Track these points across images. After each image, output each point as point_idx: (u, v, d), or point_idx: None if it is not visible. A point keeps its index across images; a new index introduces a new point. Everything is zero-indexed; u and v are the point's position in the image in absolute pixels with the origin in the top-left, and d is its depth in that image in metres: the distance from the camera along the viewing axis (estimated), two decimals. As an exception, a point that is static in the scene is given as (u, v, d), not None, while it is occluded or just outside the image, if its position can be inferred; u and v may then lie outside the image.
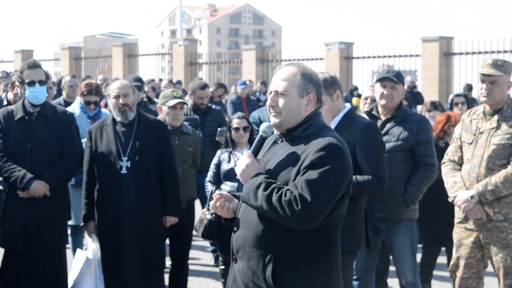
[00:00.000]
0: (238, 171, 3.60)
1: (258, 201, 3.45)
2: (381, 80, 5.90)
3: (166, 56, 26.97)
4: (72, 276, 6.18)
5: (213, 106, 9.15)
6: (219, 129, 8.19)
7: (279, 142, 3.65)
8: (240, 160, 3.60)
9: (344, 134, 4.90)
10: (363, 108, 7.10)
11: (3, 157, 6.03)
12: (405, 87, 8.40)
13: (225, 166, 6.65)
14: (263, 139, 3.66)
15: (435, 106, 8.43)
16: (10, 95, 7.15)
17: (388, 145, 5.84)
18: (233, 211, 3.71)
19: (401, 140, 5.84)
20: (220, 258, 6.89)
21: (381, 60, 21.88)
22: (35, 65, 6.23)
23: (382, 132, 5.89)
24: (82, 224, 6.32)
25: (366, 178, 5.03)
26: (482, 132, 5.50)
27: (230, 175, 6.58)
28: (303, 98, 3.59)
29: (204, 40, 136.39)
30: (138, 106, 6.95)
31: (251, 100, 15.80)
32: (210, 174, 6.76)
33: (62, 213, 6.31)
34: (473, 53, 19.95)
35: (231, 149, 6.71)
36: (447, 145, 7.15)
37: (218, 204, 3.71)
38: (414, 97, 17.35)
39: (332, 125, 5.07)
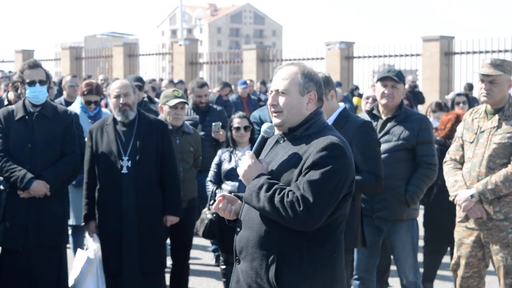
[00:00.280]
0: (240, 172, 3.60)
1: (260, 202, 3.45)
2: (382, 79, 5.90)
3: (166, 56, 26.99)
4: (73, 276, 6.18)
5: (215, 106, 9.14)
6: (213, 124, 8.18)
7: (281, 142, 3.65)
8: (242, 161, 3.60)
9: (339, 133, 4.90)
10: (364, 107, 7.10)
11: (4, 157, 6.03)
12: (406, 86, 8.40)
13: (226, 166, 6.65)
14: (264, 140, 3.66)
15: (440, 107, 8.42)
16: (11, 95, 7.15)
17: (389, 145, 5.84)
18: (235, 213, 3.71)
19: (402, 139, 5.83)
20: (221, 258, 6.88)
21: (382, 59, 21.88)
22: (35, 65, 6.23)
23: (383, 131, 5.89)
24: (83, 224, 6.32)
25: (363, 176, 5.04)
26: (483, 131, 5.50)
27: (231, 174, 6.58)
28: (304, 97, 3.59)
29: (204, 40, 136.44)
30: (139, 105, 6.95)
31: (252, 100, 15.79)
32: (211, 173, 6.76)
33: (62, 213, 6.30)
34: (474, 52, 19.95)
35: (232, 149, 6.71)
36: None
37: (220, 206, 3.70)
38: (415, 96, 17.37)
39: (327, 124, 5.08)
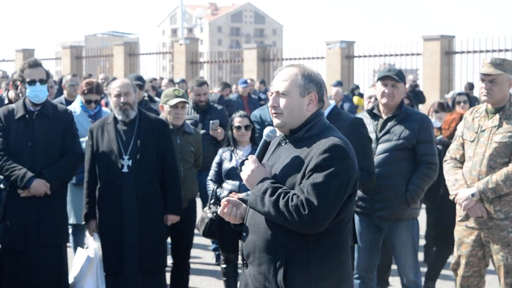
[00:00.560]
0: (244, 177, 3.59)
1: (265, 207, 3.45)
2: (382, 78, 5.89)
3: (167, 55, 27.01)
4: (73, 274, 6.18)
5: (215, 105, 9.13)
6: (211, 122, 8.18)
7: (283, 144, 3.64)
8: (245, 166, 3.60)
9: None
10: (367, 107, 7.10)
11: (4, 155, 6.03)
12: (407, 86, 8.40)
13: (226, 165, 6.65)
14: (267, 144, 3.65)
15: (442, 107, 8.42)
16: (12, 94, 7.15)
17: (389, 144, 5.84)
18: (241, 217, 3.71)
19: (402, 138, 5.83)
20: (222, 257, 6.88)
21: (383, 59, 21.89)
22: (35, 64, 6.23)
23: (383, 131, 5.89)
24: (83, 222, 6.32)
25: None
26: (484, 130, 5.50)
27: (232, 173, 6.58)
28: (304, 98, 3.58)
29: (205, 39, 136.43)
30: (139, 104, 6.95)
31: (252, 99, 15.79)
32: (211, 172, 6.75)
33: (63, 212, 6.31)
34: (474, 51, 19.96)
35: (232, 148, 6.71)
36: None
37: (225, 211, 3.70)
38: (416, 96, 17.37)
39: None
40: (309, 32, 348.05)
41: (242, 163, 6.45)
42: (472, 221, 5.53)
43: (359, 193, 5.71)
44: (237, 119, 6.70)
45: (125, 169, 6.02)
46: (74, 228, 7.43)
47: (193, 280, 7.57)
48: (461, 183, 5.54)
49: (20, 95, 6.67)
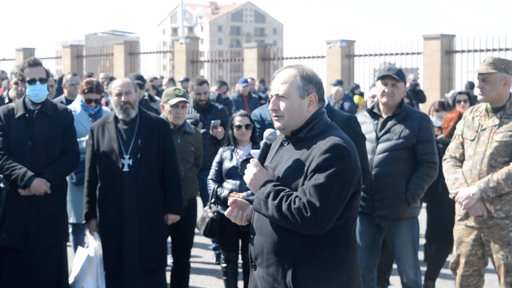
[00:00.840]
0: (247, 180, 3.59)
1: (269, 211, 3.45)
2: (382, 78, 5.89)
3: (167, 54, 27.00)
4: (73, 274, 6.18)
5: (216, 104, 9.13)
6: (212, 121, 8.19)
7: (285, 144, 3.64)
8: (248, 170, 3.60)
9: None
10: (370, 106, 7.11)
11: (4, 155, 6.03)
12: (408, 85, 8.39)
13: (227, 164, 6.64)
14: (268, 146, 3.64)
15: (443, 106, 8.42)
16: (12, 93, 7.15)
17: (389, 143, 5.84)
18: (247, 219, 3.71)
19: (403, 138, 5.83)
20: (222, 256, 6.88)
21: (383, 58, 21.86)
22: (35, 63, 6.22)
23: (383, 130, 5.89)
24: (83, 222, 6.32)
25: None
26: (484, 129, 5.50)
27: (232, 173, 6.57)
28: (304, 99, 3.57)
29: (205, 38, 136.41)
30: (140, 104, 6.94)
31: (253, 98, 15.79)
32: (212, 172, 6.75)
33: (63, 211, 6.31)
34: (475, 51, 19.94)
35: (233, 147, 6.70)
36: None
37: (232, 214, 3.69)
38: (416, 95, 17.34)
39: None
40: (309, 31, 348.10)
41: (243, 162, 6.50)
42: (472, 220, 5.52)
43: (359, 192, 5.71)
44: (237, 118, 6.70)
45: (125, 169, 6.01)
46: (74, 227, 7.42)
47: (193, 279, 7.57)
48: (461, 181, 5.53)
49: (15, 93, 6.68)
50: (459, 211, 5.63)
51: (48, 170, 6.04)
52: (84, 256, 6.14)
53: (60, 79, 12.95)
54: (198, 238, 8.95)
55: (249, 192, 6.37)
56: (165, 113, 6.81)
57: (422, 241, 8.21)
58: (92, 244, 6.16)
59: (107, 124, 6.14)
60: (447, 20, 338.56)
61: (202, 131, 7.89)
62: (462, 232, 5.60)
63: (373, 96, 7.23)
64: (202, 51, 26.79)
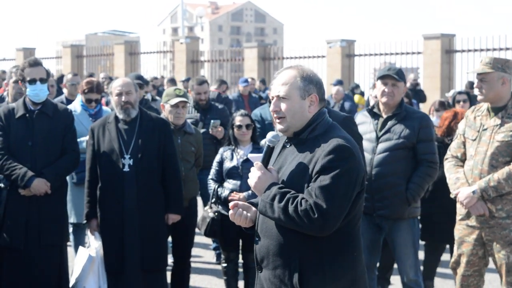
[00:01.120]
0: (251, 184, 3.59)
1: (275, 213, 3.45)
2: (382, 77, 5.89)
3: (167, 54, 27.00)
4: (75, 274, 6.18)
5: (217, 104, 9.12)
6: (212, 121, 8.20)
7: (288, 146, 3.64)
8: (252, 173, 3.59)
9: None
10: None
11: (4, 155, 6.03)
12: (408, 84, 8.40)
13: (227, 164, 6.64)
14: (271, 149, 3.63)
15: (444, 106, 8.42)
16: (11, 91, 7.15)
17: (389, 143, 5.84)
18: (251, 220, 3.71)
19: (403, 137, 5.83)
20: (222, 256, 6.88)
21: (383, 57, 21.86)
22: (36, 63, 6.23)
23: (384, 130, 5.90)
24: (84, 222, 6.32)
25: None
26: (486, 129, 5.50)
27: (233, 173, 6.57)
28: (305, 100, 3.57)
29: (205, 38, 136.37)
30: (140, 103, 6.95)
31: (253, 98, 15.79)
32: (212, 172, 6.75)
33: (63, 211, 6.32)
34: (475, 50, 19.94)
35: (233, 147, 6.70)
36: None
37: (236, 216, 3.69)
38: (417, 95, 17.33)
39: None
40: (309, 30, 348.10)
41: (244, 162, 6.50)
42: (473, 220, 5.52)
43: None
44: (238, 118, 6.69)
45: (126, 168, 6.02)
46: (75, 227, 7.43)
47: (193, 279, 7.58)
48: (462, 181, 5.54)
49: (7, 93, 6.68)
50: (460, 210, 5.63)
51: (48, 170, 6.05)
52: (85, 256, 6.14)
53: (59, 79, 12.94)
54: (199, 238, 8.96)
55: (249, 192, 6.38)
56: (166, 113, 6.81)
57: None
58: (93, 244, 6.16)
59: (107, 124, 6.14)
60: (447, 20, 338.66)
61: (202, 131, 7.89)
62: (464, 232, 5.60)
63: (376, 96, 7.22)
64: (202, 51, 26.79)
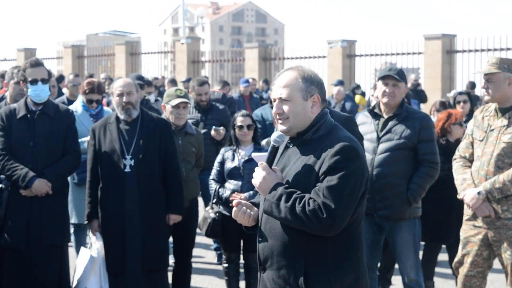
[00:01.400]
0: (256, 184, 3.59)
1: (282, 213, 3.46)
2: (383, 78, 5.90)
3: (168, 54, 26.99)
4: (76, 274, 6.19)
5: (217, 104, 9.12)
6: (214, 127, 8.26)
7: (291, 146, 3.64)
8: (256, 173, 3.59)
9: None
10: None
11: (5, 155, 6.04)
12: (409, 85, 8.40)
13: (229, 165, 6.64)
14: (275, 149, 3.64)
15: (444, 106, 8.44)
16: (11, 91, 7.14)
17: (390, 143, 5.84)
18: (254, 219, 3.71)
19: (404, 138, 5.83)
20: (223, 256, 6.89)
21: (384, 58, 21.84)
22: (37, 64, 6.23)
23: (384, 130, 5.90)
24: (85, 222, 6.33)
25: None
26: (493, 130, 5.47)
27: (234, 173, 6.58)
28: (307, 101, 3.58)
29: (206, 38, 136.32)
30: (141, 104, 6.95)
31: (254, 98, 15.78)
32: (214, 172, 6.75)
33: (64, 211, 6.32)
34: (476, 50, 19.92)
35: (235, 147, 6.70)
36: (447, 142, 7.15)
37: (239, 215, 3.69)
38: (418, 95, 17.33)
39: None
40: (310, 31, 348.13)
41: (245, 162, 6.51)
42: (480, 220, 5.50)
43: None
44: (239, 119, 6.70)
45: (127, 169, 6.02)
46: (76, 228, 7.43)
47: (195, 279, 7.58)
48: (469, 182, 5.52)
49: (14, 93, 6.69)
50: (467, 211, 5.62)
51: (49, 170, 6.05)
52: (87, 256, 6.14)
53: (57, 79, 12.89)
54: (200, 239, 8.96)
55: (251, 193, 6.38)
56: (167, 113, 6.82)
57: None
58: (95, 245, 6.17)
59: (108, 125, 6.15)
60: (448, 20, 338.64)
61: (203, 131, 7.90)
62: (470, 232, 5.58)
63: (377, 96, 7.23)
64: (203, 51, 26.77)
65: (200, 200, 7.70)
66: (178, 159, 6.35)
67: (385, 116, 5.95)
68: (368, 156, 5.81)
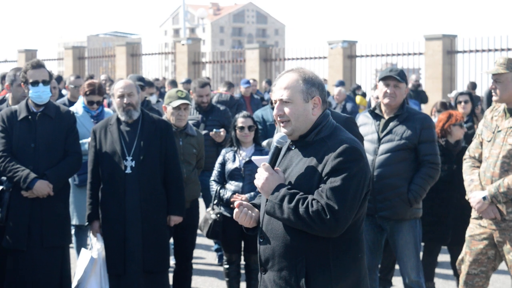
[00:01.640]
0: (258, 185, 3.59)
1: (284, 214, 3.46)
2: (384, 78, 5.90)
3: (169, 55, 26.99)
4: (77, 276, 6.19)
5: (218, 105, 9.12)
6: (215, 130, 8.26)
7: (293, 148, 3.64)
8: (259, 174, 3.59)
9: None
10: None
11: (7, 156, 6.04)
12: (410, 85, 8.40)
13: (230, 166, 6.64)
14: (278, 150, 3.63)
15: (445, 107, 8.44)
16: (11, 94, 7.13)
17: (391, 144, 5.84)
18: (255, 220, 3.71)
19: (404, 138, 5.83)
20: (224, 257, 6.89)
21: (385, 58, 21.84)
22: (38, 65, 6.24)
23: (385, 131, 5.90)
24: (86, 223, 6.33)
25: None
26: (500, 131, 5.43)
27: (235, 174, 6.58)
28: (308, 103, 3.58)
29: (207, 39, 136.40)
30: (141, 105, 6.96)
31: (255, 99, 15.78)
32: (214, 173, 6.75)
33: (65, 213, 6.32)
34: (477, 51, 19.91)
35: (236, 148, 6.70)
36: (447, 143, 7.14)
37: (240, 216, 3.68)
38: (419, 95, 17.34)
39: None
40: (311, 32, 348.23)
41: (246, 163, 6.51)
42: (486, 221, 5.49)
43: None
44: (240, 120, 6.70)
45: (128, 170, 6.02)
46: (77, 229, 7.44)
47: (195, 280, 7.58)
48: (476, 183, 5.49)
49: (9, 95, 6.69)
50: (474, 211, 5.61)
51: (50, 172, 6.05)
52: (87, 258, 6.14)
53: (57, 80, 12.87)
54: (201, 240, 8.97)
55: (252, 194, 6.38)
56: (168, 115, 6.82)
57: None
58: (95, 246, 6.17)
59: (109, 126, 6.15)
60: (448, 20, 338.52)
61: (203, 132, 7.90)
62: (475, 231, 5.56)
63: (378, 97, 7.23)
64: (204, 52, 26.77)
65: (201, 201, 7.70)
66: (179, 160, 6.35)
67: (386, 117, 5.95)
68: (369, 157, 5.81)
